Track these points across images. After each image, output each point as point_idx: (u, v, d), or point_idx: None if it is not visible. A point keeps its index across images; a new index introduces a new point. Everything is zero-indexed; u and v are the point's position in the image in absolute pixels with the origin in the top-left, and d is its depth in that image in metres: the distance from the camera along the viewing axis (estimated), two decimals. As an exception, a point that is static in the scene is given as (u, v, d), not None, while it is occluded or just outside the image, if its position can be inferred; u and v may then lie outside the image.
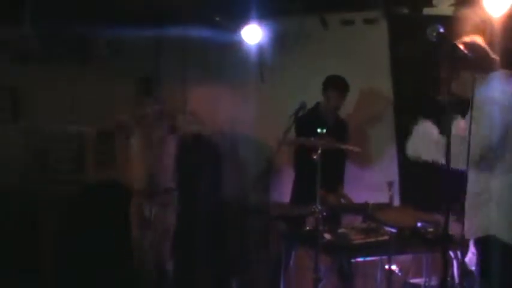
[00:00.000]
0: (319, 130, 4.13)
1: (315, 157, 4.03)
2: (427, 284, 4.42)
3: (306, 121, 4.96)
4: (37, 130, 6.33)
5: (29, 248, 5.95)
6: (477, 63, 3.47)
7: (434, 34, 2.97)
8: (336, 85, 5.50)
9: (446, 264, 2.76)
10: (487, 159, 3.31)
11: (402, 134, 5.89)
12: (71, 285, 5.86)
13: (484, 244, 3.43)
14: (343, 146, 4.79)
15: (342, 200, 5.36)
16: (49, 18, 5.74)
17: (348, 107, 5.77)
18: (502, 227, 3.35)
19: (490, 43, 3.85)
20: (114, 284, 5.67)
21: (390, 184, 4.61)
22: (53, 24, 5.82)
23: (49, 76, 6.26)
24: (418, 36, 3.43)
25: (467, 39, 3.57)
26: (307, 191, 4.25)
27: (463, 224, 3.78)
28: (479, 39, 3.61)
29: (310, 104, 5.48)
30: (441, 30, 2.95)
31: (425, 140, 3.52)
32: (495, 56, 3.60)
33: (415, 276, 4.65)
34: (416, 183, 5.54)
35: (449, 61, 2.99)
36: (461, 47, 3.25)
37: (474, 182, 3.42)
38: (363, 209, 4.60)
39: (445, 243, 2.88)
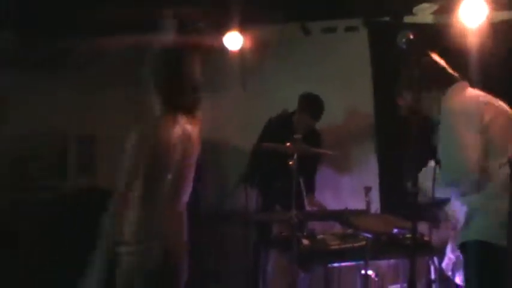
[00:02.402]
0: (295, 136, 4.13)
1: (291, 163, 4.04)
2: (404, 290, 4.45)
3: (275, 128, 4.96)
4: (16, 136, 6.29)
5: (9, 258, 5.91)
6: (435, 80, 3.51)
7: (404, 40, 2.98)
8: (310, 109, 5.41)
9: (414, 269, 2.76)
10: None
11: (382, 141, 6.02)
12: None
13: (471, 248, 3.43)
14: (319, 151, 4.79)
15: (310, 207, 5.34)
16: (29, 25, 5.76)
17: (330, 117, 5.80)
18: (486, 230, 3.37)
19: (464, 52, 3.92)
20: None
21: (367, 190, 4.63)
22: (33, 32, 5.83)
23: (28, 82, 6.25)
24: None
25: (423, 58, 3.60)
26: (274, 198, 4.28)
27: (439, 230, 3.85)
28: (436, 57, 3.65)
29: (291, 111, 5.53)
30: (411, 36, 2.97)
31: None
32: (452, 72, 3.63)
33: (392, 282, 4.67)
34: (396, 190, 5.58)
35: (419, 68, 3.00)
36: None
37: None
38: (340, 216, 4.62)
39: (413, 248, 2.87)
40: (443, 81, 3.55)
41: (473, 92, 3.56)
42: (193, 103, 3.40)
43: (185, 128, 3.35)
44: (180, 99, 3.35)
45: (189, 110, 3.38)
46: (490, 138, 3.33)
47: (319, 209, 5.39)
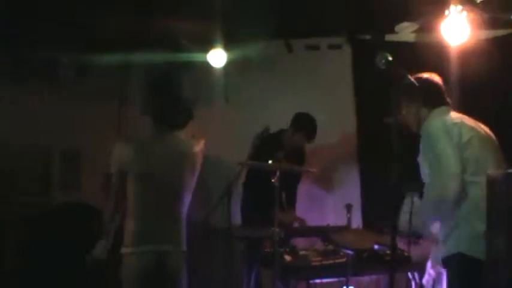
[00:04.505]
0: (277, 154, 4.18)
1: (273, 180, 4.08)
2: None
3: (264, 146, 4.99)
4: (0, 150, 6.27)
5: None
6: (425, 97, 3.56)
7: (383, 61, 3.05)
8: (307, 131, 5.43)
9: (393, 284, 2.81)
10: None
11: (364, 157, 6.07)
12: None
13: (453, 261, 3.48)
14: (302, 169, 4.85)
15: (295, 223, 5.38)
16: (13, 38, 5.77)
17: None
18: (468, 243, 3.42)
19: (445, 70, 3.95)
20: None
21: (349, 207, 4.70)
22: (17, 45, 5.85)
23: (13, 96, 6.24)
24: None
25: (425, 74, 3.66)
26: (260, 212, 4.33)
27: (420, 246, 3.89)
28: (436, 77, 3.70)
29: (273, 127, 5.55)
30: (389, 58, 3.04)
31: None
32: (446, 95, 3.67)
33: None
34: (378, 206, 5.61)
35: (397, 87, 3.07)
36: (413, 79, 3.35)
37: None
38: (322, 232, 4.67)
39: (393, 263, 2.92)
40: (430, 98, 3.60)
41: (454, 115, 3.61)
42: (184, 119, 3.73)
43: (179, 145, 3.70)
44: (171, 119, 3.68)
45: (181, 127, 3.73)
46: (467, 158, 3.39)
47: (299, 223, 5.42)
